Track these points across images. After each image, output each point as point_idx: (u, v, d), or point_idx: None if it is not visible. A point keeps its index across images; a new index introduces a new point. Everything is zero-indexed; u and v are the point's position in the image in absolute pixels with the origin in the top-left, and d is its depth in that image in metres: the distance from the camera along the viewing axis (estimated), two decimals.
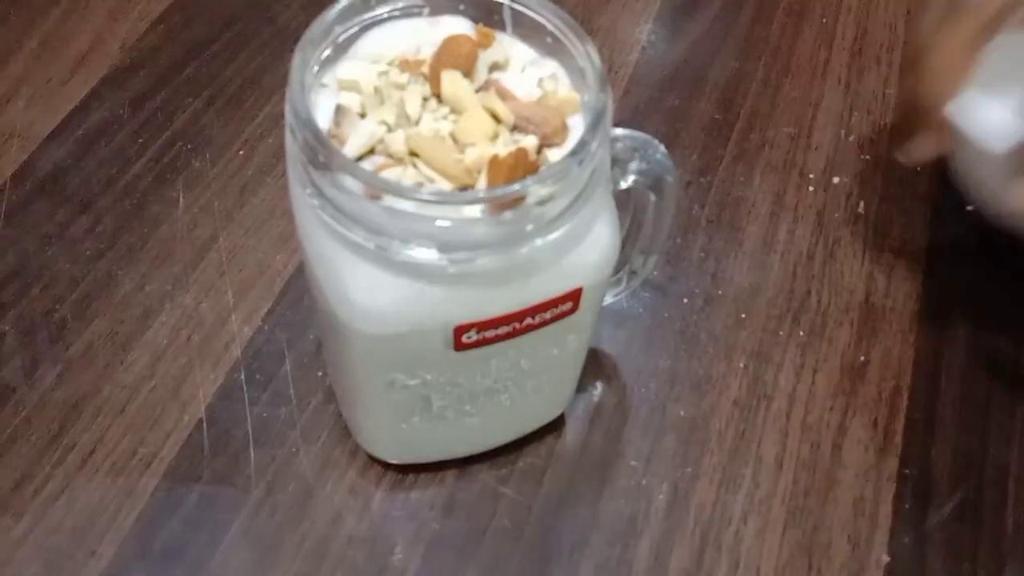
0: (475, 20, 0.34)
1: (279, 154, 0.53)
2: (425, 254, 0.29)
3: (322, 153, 0.28)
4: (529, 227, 0.29)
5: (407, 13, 0.34)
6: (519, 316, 0.32)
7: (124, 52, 0.57)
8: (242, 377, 0.45)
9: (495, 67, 0.33)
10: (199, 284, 0.48)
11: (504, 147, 0.30)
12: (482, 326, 0.32)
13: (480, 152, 0.29)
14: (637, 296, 0.49)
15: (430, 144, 0.30)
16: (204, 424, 0.43)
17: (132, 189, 0.51)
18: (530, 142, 0.30)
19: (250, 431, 0.43)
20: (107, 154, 0.53)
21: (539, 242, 0.30)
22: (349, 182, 0.28)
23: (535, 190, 0.28)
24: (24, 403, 0.44)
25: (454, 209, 0.28)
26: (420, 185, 0.29)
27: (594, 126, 0.30)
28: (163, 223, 0.50)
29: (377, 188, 0.28)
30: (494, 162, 0.29)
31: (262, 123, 0.55)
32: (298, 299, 0.48)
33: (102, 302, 0.47)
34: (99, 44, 0.58)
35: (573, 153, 0.29)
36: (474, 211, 0.28)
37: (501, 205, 0.28)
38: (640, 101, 0.58)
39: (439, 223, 0.28)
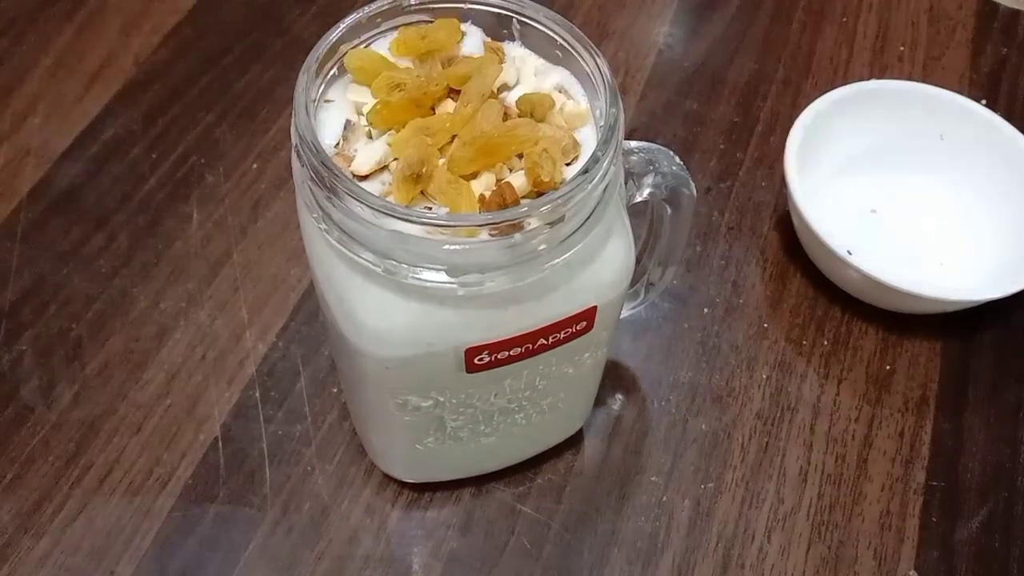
0: (485, 30, 0.33)
1: (292, 167, 0.53)
2: (434, 277, 0.29)
3: (328, 177, 0.28)
4: (541, 247, 0.29)
5: None
6: (532, 337, 0.31)
7: (137, 67, 0.57)
8: (257, 395, 0.45)
9: (504, 88, 0.32)
10: (213, 301, 0.48)
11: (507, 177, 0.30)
12: (494, 348, 0.31)
13: (485, 181, 0.29)
14: (656, 306, 0.48)
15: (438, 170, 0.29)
16: (220, 443, 0.43)
17: (146, 205, 0.51)
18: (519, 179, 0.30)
19: (265, 449, 0.43)
20: (121, 170, 0.52)
21: (551, 262, 0.29)
22: (356, 206, 0.28)
23: (544, 211, 0.28)
24: (42, 423, 0.44)
25: (461, 232, 0.27)
26: (428, 208, 0.29)
27: (606, 142, 0.29)
28: (177, 239, 0.50)
29: (383, 212, 0.27)
30: (482, 200, 0.29)
31: (275, 136, 0.54)
32: (313, 314, 0.47)
33: (117, 320, 0.47)
34: (112, 59, 0.57)
35: (584, 171, 0.28)
36: (482, 234, 0.28)
37: (510, 227, 0.27)
38: (657, 105, 0.57)
39: (447, 247, 0.27)
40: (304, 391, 0.45)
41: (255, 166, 0.53)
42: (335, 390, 0.45)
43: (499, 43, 0.33)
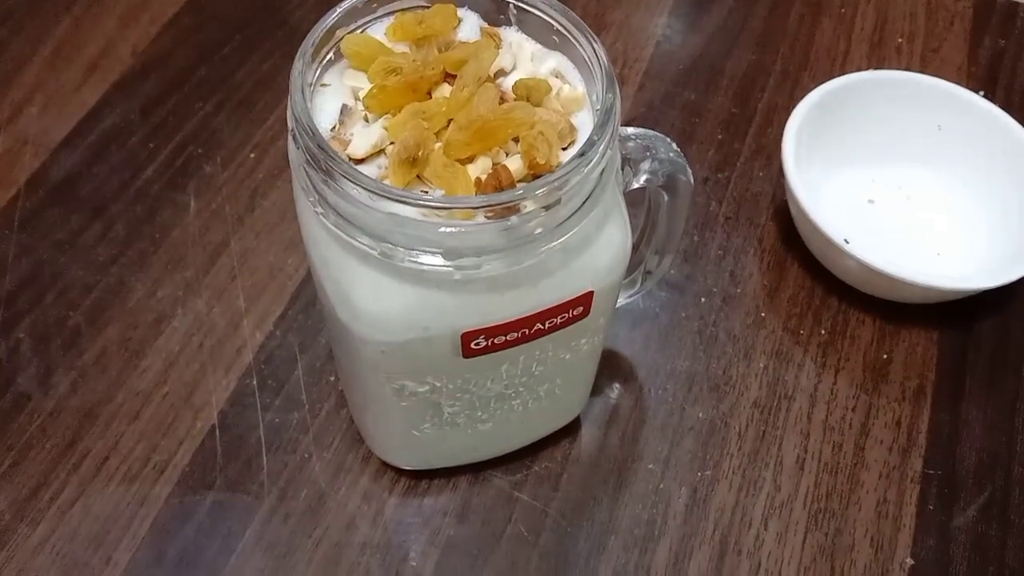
0: (482, 15, 0.33)
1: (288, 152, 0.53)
2: (431, 261, 0.29)
3: (324, 160, 0.28)
4: (537, 231, 0.29)
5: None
6: (529, 322, 0.32)
7: (135, 57, 0.57)
8: (254, 383, 0.45)
9: (500, 73, 0.32)
10: (211, 289, 0.48)
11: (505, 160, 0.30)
12: (490, 332, 0.31)
13: (481, 164, 0.29)
14: (654, 295, 0.48)
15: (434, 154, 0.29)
16: (217, 430, 0.43)
17: (144, 194, 0.51)
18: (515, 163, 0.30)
19: (263, 437, 0.43)
20: (119, 160, 0.52)
21: (547, 246, 0.29)
22: (352, 188, 0.28)
23: (540, 194, 0.28)
24: (39, 411, 0.44)
25: (457, 215, 0.27)
26: (425, 192, 0.29)
27: (602, 126, 0.29)
28: (175, 228, 0.50)
29: (379, 195, 0.27)
30: (478, 183, 0.29)
31: (273, 126, 0.54)
32: (310, 303, 0.47)
33: (115, 309, 0.47)
34: (111, 49, 0.57)
35: (580, 154, 0.28)
36: (478, 216, 0.28)
37: (505, 210, 0.27)
38: (655, 96, 0.57)
39: (443, 229, 0.27)
40: (301, 379, 0.45)
41: (253, 156, 0.53)
42: (332, 378, 0.45)
43: (496, 28, 0.33)
